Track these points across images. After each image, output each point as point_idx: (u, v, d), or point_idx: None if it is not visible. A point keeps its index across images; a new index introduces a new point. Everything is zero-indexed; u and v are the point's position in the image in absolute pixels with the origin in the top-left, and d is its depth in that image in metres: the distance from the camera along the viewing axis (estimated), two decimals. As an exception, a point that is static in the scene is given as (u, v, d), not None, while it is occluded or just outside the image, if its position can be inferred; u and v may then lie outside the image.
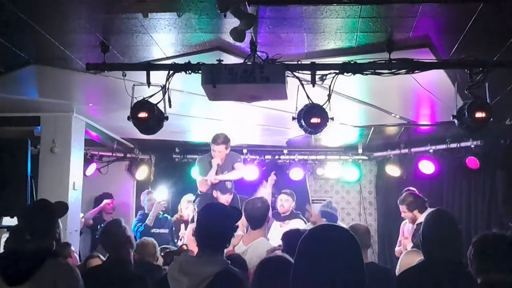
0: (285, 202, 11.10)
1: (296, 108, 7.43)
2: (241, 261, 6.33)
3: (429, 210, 10.02)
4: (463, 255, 5.05)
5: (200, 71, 7.11)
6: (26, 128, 11.16)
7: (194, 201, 10.67)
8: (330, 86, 7.35)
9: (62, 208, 6.25)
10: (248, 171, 12.92)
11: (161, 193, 13.04)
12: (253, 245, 7.29)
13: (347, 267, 2.88)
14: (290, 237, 6.59)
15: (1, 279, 5.30)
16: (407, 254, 7.55)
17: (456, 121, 7.41)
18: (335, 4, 6.19)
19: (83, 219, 12.37)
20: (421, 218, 9.85)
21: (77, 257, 9.08)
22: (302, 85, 7.29)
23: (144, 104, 7.38)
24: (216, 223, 5.19)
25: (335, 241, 2.96)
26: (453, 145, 13.06)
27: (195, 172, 10.76)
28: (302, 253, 3.00)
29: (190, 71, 7.29)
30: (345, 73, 7.26)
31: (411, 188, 11.14)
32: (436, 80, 8.23)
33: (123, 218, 12.28)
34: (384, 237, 15.24)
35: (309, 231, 3.14)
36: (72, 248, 9.04)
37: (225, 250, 5.71)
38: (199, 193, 10.56)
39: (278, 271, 4.42)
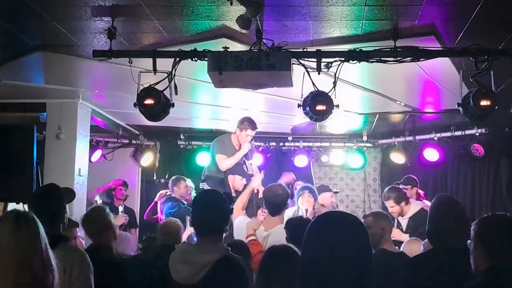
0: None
1: (302, 95, 7.44)
2: (245, 248, 6.39)
3: (412, 201, 10.03)
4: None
5: (206, 58, 7.13)
6: (32, 114, 11.18)
7: (202, 181, 10.67)
8: (335, 74, 7.36)
9: (69, 194, 6.26)
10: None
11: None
12: (274, 231, 7.38)
13: (355, 253, 2.89)
14: (294, 225, 6.64)
15: None
16: (408, 244, 7.62)
17: (461, 109, 7.42)
18: (341, -8, 6.22)
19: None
20: (410, 210, 9.81)
21: (83, 241, 9.10)
22: (308, 72, 7.30)
23: (150, 91, 7.39)
24: (212, 209, 5.22)
25: (342, 228, 2.97)
26: (458, 133, 13.08)
27: (213, 150, 10.64)
28: (309, 240, 3.01)
29: (196, 58, 7.31)
30: (350, 61, 7.27)
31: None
32: (441, 68, 8.24)
33: (129, 204, 12.41)
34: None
35: (315, 218, 3.15)
36: (79, 233, 9.06)
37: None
38: (209, 175, 10.54)
39: (284, 261, 4.45)
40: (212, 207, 5.24)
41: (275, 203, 7.66)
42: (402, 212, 9.79)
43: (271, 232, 7.40)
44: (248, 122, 10.28)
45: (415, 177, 12.06)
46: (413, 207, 9.76)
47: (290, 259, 4.47)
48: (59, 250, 5.33)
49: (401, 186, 11.15)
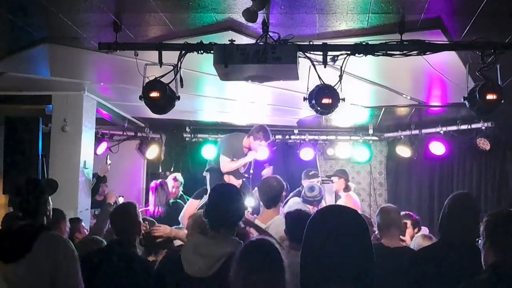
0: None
1: (308, 88, 7.44)
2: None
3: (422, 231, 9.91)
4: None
5: (212, 51, 7.12)
6: (37, 106, 11.18)
7: (207, 170, 10.74)
8: (341, 67, 7.35)
9: (51, 185, 6.29)
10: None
11: None
12: (273, 223, 7.40)
13: (356, 247, 2.90)
14: (292, 218, 6.64)
15: None
16: (421, 239, 7.64)
17: (467, 102, 7.41)
18: (347, -15, 6.21)
19: (109, 166, 12.31)
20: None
21: (86, 233, 9.13)
22: (314, 65, 7.29)
23: (156, 84, 7.38)
24: (229, 202, 5.22)
25: (342, 221, 2.98)
26: (464, 127, 13.05)
27: (220, 147, 10.69)
28: (310, 233, 3.01)
29: (202, 51, 7.30)
30: (356, 54, 7.26)
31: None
32: (448, 61, 8.22)
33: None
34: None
35: (317, 212, 3.15)
36: (83, 223, 9.09)
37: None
38: (214, 166, 10.60)
39: (261, 255, 4.41)
40: (227, 201, 5.25)
41: (270, 195, 7.66)
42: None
43: (270, 225, 7.40)
44: (263, 133, 10.36)
45: (345, 170, 12.81)
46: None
47: (270, 253, 4.43)
48: (41, 239, 5.40)
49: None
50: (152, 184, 11.62)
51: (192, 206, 10.35)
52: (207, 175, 10.65)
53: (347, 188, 12.01)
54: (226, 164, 10.37)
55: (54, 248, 5.36)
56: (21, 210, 5.60)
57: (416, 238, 7.90)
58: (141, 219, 6.85)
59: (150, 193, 11.52)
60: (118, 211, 6.94)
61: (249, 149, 10.53)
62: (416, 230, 9.47)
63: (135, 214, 6.69)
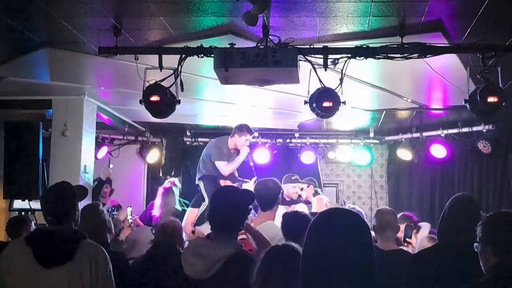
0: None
1: (308, 92, 7.43)
2: None
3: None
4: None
5: (212, 55, 7.12)
6: (37, 111, 11.17)
7: (199, 179, 10.75)
8: (342, 70, 7.34)
9: (82, 192, 6.25)
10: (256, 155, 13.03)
11: None
12: (260, 229, 7.29)
13: (357, 249, 2.90)
14: (289, 220, 6.64)
15: (33, 261, 5.20)
16: (426, 241, 7.63)
17: (468, 105, 7.40)
18: (347, -12, 6.20)
19: (111, 169, 12.35)
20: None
21: None
22: (314, 69, 7.29)
23: (156, 88, 7.39)
24: (232, 205, 5.23)
25: (345, 224, 2.98)
26: (465, 129, 13.00)
27: (211, 155, 10.72)
28: (311, 236, 3.02)
29: (202, 55, 7.30)
30: (357, 57, 7.26)
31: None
32: (449, 64, 8.21)
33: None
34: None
35: (319, 214, 3.15)
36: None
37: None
38: (207, 174, 10.63)
39: (286, 260, 4.39)
40: (229, 204, 5.25)
41: (266, 197, 7.58)
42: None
43: (260, 229, 7.32)
44: (246, 129, 10.55)
45: (313, 178, 12.51)
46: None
47: (294, 259, 4.40)
48: (84, 246, 5.35)
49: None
50: (161, 189, 11.59)
51: (192, 215, 10.43)
52: (200, 183, 10.68)
53: (315, 194, 12.07)
54: (225, 168, 10.42)
55: (96, 259, 5.34)
56: (53, 216, 5.52)
57: (421, 241, 7.87)
58: (107, 217, 6.94)
59: (158, 196, 11.49)
60: (81, 215, 6.93)
61: (235, 149, 10.61)
62: (414, 231, 9.42)
63: (97, 215, 6.77)
